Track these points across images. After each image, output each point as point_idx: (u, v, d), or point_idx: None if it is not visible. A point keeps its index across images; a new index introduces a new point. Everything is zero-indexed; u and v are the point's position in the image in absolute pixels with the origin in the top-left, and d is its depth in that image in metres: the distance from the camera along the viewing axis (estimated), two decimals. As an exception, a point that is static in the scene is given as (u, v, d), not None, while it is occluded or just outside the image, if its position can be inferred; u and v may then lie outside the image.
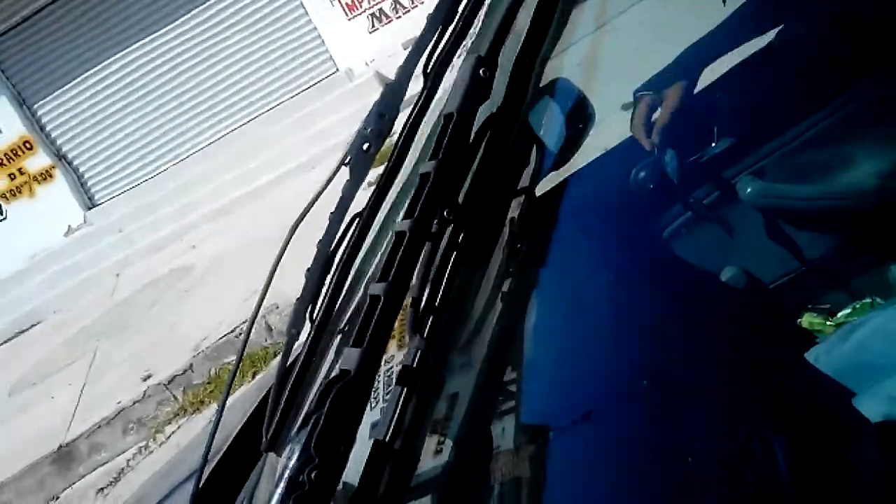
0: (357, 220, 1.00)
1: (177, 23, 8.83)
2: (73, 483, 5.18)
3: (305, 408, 0.83)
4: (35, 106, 9.04)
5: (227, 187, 8.44)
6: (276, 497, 0.62)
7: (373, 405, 0.82)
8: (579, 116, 1.35)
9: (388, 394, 0.76)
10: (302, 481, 0.62)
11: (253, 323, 1.00)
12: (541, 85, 1.08)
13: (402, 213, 0.77)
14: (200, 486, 1.01)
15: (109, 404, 5.34)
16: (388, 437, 0.70)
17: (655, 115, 1.28)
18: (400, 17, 8.57)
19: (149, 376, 5.41)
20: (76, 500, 5.01)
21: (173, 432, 4.91)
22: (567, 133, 1.32)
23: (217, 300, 6.00)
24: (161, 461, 4.00)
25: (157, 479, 1.81)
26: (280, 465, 0.65)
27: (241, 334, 5.13)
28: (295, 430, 0.69)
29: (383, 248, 0.92)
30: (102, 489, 4.81)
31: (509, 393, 0.84)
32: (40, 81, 8.99)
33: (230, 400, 2.14)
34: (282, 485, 0.62)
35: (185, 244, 8.23)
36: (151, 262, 8.29)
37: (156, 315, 6.72)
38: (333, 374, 0.70)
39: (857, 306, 1.20)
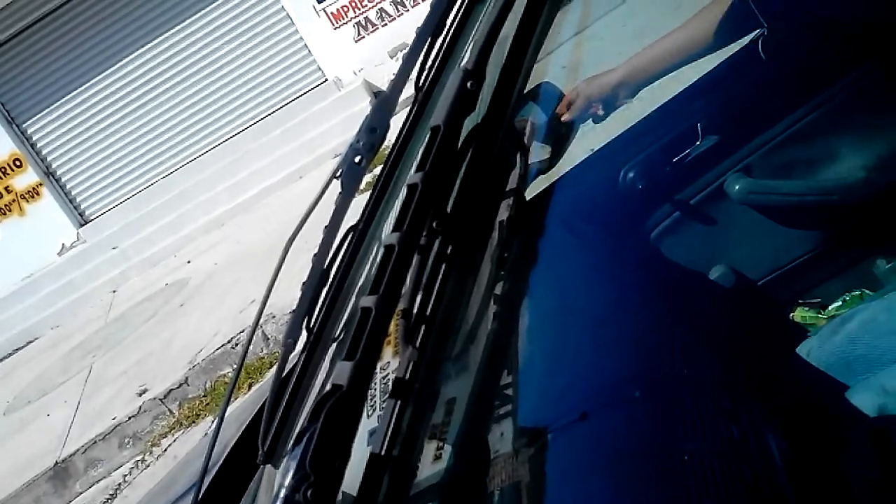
0: (351, 233, 1.01)
1: (163, 37, 8.80)
2: (70, 501, 5.16)
3: (300, 423, 0.83)
4: (24, 124, 9.00)
5: (218, 199, 8.43)
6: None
7: (370, 413, 0.82)
8: (561, 120, 1.36)
9: (384, 403, 0.76)
10: (298, 500, 0.62)
11: (252, 338, 1.00)
12: (526, 90, 1.09)
13: (390, 226, 0.78)
14: (199, 498, 1.01)
15: (105, 420, 5.32)
16: (384, 450, 0.70)
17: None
18: (386, 24, 8.57)
19: (144, 391, 5.39)
20: (75, 516, 5.00)
21: (170, 445, 4.89)
22: (553, 136, 1.33)
23: (212, 313, 5.99)
24: (158, 475, 3.98)
25: (155, 494, 1.81)
26: (276, 483, 0.65)
27: (237, 345, 5.12)
28: (290, 446, 0.69)
29: (375, 260, 0.93)
30: (101, 505, 4.79)
31: (505, 398, 0.85)
32: (29, 99, 8.94)
33: (227, 412, 2.13)
34: (279, 503, 0.62)
35: (180, 258, 8.22)
36: (146, 278, 8.26)
37: (151, 330, 6.70)
38: (327, 387, 0.70)
39: (847, 299, 1.21)
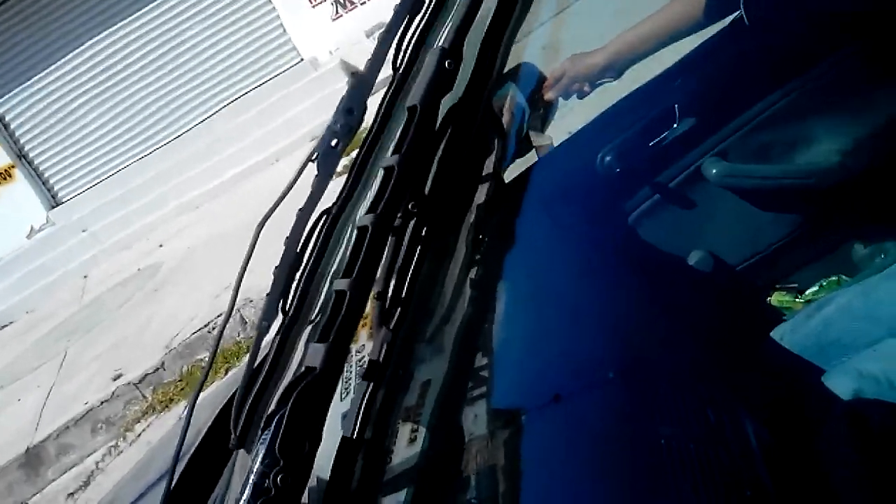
0: (325, 216, 0.99)
1: (136, 14, 8.65)
2: (43, 488, 5.10)
3: (271, 406, 0.82)
4: (-5, 105, 8.86)
5: (193, 182, 8.33)
6: (243, 502, 0.60)
7: (343, 396, 0.81)
8: (544, 100, 1.35)
9: (358, 386, 0.75)
10: (268, 486, 0.61)
11: (227, 321, 0.98)
12: (505, 70, 1.07)
13: (365, 208, 0.76)
14: (172, 485, 0.99)
15: (78, 405, 5.26)
16: (355, 433, 0.68)
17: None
18: (364, 2, 8.49)
19: (119, 375, 5.33)
20: (47, 504, 4.95)
21: (143, 430, 4.85)
22: (533, 118, 1.32)
23: (187, 297, 5.93)
24: (132, 461, 3.95)
25: (129, 480, 1.78)
26: (246, 468, 0.63)
27: (213, 329, 5.08)
28: (259, 430, 0.67)
29: (348, 242, 0.91)
30: (72, 493, 4.74)
31: (479, 380, 0.84)
32: (0, 79, 8.80)
33: (201, 396, 2.11)
34: (248, 490, 0.60)
35: (153, 242, 8.12)
36: (119, 261, 8.17)
37: (126, 314, 6.63)
38: (301, 370, 0.69)
39: (825, 284, 1.21)
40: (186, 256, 7.10)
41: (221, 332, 1.05)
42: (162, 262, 7.41)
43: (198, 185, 8.27)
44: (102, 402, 5.11)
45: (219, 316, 5.13)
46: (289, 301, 0.96)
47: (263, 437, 0.63)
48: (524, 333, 0.92)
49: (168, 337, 5.44)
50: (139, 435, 4.85)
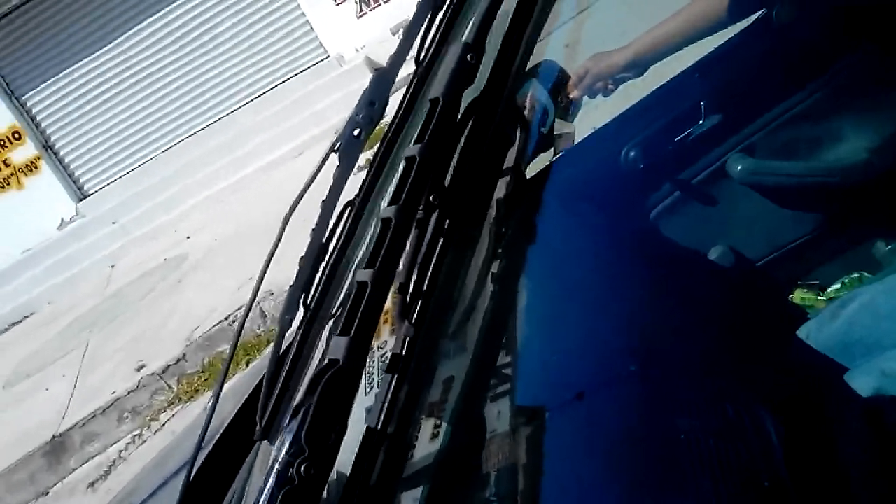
0: (349, 208, 1.00)
1: (166, 10, 8.75)
2: (64, 477, 5.18)
3: (297, 398, 0.83)
4: (24, 96, 8.96)
5: (218, 175, 8.41)
6: (266, 492, 0.61)
7: (367, 390, 0.82)
8: (567, 98, 1.35)
9: (381, 379, 0.76)
10: (291, 475, 0.62)
11: (248, 315, 0.99)
12: (527, 67, 1.08)
13: (388, 199, 0.77)
14: (192, 475, 1.01)
15: (104, 394, 5.34)
16: (380, 426, 0.69)
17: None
18: (389, 0, 8.52)
19: (142, 366, 5.41)
20: (66, 494, 5.02)
21: (168, 420, 4.92)
22: (555, 114, 1.32)
23: (210, 289, 6.00)
24: (156, 449, 4.00)
25: (150, 470, 1.81)
26: (270, 458, 0.64)
27: (234, 322, 5.13)
28: (286, 421, 0.68)
29: (374, 234, 0.92)
30: (93, 483, 4.81)
31: (502, 376, 0.84)
32: (29, 72, 8.90)
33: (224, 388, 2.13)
34: (272, 479, 0.61)
35: (179, 234, 8.22)
36: (145, 253, 8.26)
37: (149, 305, 6.71)
38: (324, 363, 0.70)
39: (846, 281, 1.21)
40: (211, 248, 7.16)
41: (242, 326, 1.06)
42: (188, 253, 7.49)
43: (223, 178, 8.34)
44: (129, 392, 5.19)
45: (239, 308, 5.18)
46: (311, 294, 0.98)
47: (290, 426, 0.64)
48: (546, 329, 0.92)
49: (190, 328, 5.51)
50: (164, 424, 4.91)
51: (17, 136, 8.94)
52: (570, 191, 1.23)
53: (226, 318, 5.22)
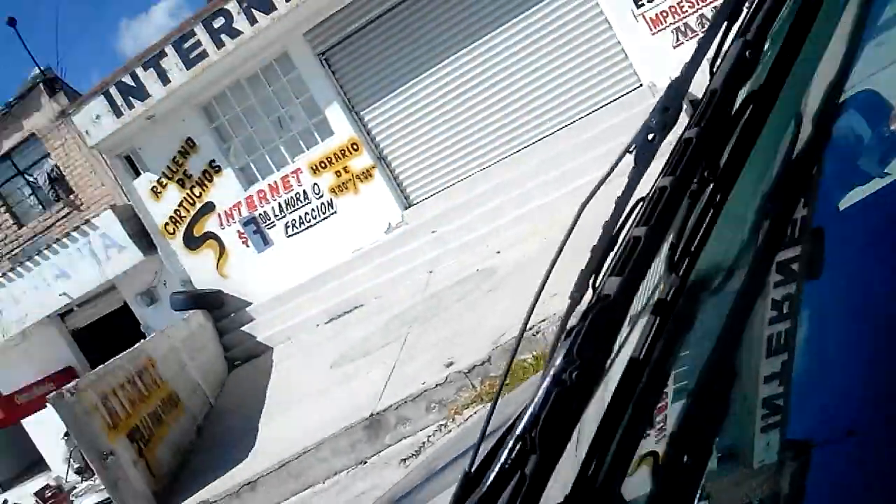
0: (640, 203, 1.08)
1: (486, 37, 9.47)
2: (380, 451, 5.84)
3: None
4: (362, 111, 10.20)
5: (529, 196, 8.89)
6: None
7: (629, 332, 0.92)
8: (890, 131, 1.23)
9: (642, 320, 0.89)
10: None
11: (524, 329, 1.10)
12: (847, 95, 1.03)
13: (663, 172, 0.90)
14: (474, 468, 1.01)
15: (415, 384, 5.93)
16: (642, 356, 0.83)
17: None
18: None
19: (451, 363, 5.91)
20: (381, 465, 5.65)
21: (470, 416, 5.31)
22: (878, 149, 1.21)
23: (517, 300, 6.37)
24: (458, 441, 4.36)
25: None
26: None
27: (537, 333, 5.40)
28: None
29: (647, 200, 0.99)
30: (405, 460, 5.35)
31: (773, 407, 0.83)
32: (367, 89, 10.11)
33: (519, 389, 2.27)
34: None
35: (490, 248, 8.80)
36: (459, 262, 8.98)
37: (461, 310, 7.29)
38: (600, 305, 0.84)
39: None
40: (519, 263, 7.58)
41: (520, 338, 1.15)
42: (497, 266, 8.00)
43: (535, 199, 8.76)
44: (437, 385, 5.71)
45: (543, 321, 5.44)
46: (599, 278, 1.09)
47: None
48: (821, 352, 0.85)
49: (496, 334, 5.90)
50: (467, 419, 5.32)
51: (355, 147, 10.21)
52: (878, 225, 1.07)
53: (530, 329, 5.52)
